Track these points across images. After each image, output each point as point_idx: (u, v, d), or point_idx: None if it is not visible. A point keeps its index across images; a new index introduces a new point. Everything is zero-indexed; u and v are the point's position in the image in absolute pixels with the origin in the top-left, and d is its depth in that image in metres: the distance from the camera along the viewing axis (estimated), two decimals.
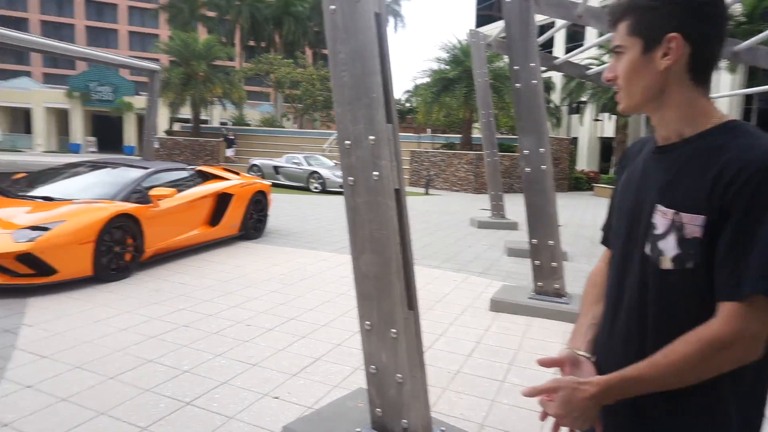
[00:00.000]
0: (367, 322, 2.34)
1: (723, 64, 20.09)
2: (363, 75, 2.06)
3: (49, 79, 51.64)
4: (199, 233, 6.76)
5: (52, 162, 12.69)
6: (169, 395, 3.05)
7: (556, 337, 4.32)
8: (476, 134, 23.71)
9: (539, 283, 5.01)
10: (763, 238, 0.89)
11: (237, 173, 8.27)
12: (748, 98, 23.14)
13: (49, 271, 4.81)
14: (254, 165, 18.49)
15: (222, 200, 7.19)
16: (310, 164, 17.59)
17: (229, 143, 24.96)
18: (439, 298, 5.35)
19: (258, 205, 7.97)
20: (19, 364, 3.36)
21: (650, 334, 1.04)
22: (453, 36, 38.04)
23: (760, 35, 6.01)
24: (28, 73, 50.72)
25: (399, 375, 2.29)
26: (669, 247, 1.00)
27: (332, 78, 2.12)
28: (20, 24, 51.31)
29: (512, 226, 10.29)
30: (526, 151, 4.91)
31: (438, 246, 8.11)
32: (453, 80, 20.82)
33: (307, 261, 6.68)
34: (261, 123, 32.87)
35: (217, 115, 36.80)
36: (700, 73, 1.02)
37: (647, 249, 1.04)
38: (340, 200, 9.83)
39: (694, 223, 0.96)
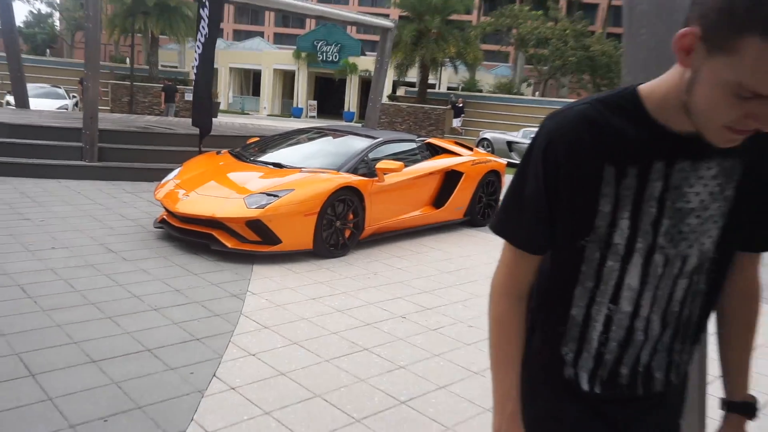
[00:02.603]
0: None
1: None
2: (668, 34, 1.94)
3: (279, 40, 59.53)
4: (421, 214, 7.18)
5: (279, 126, 14.68)
6: (384, 390, 3.37)
7: None
8: None
9: None
10: None
11: (470, 148, 8.52)
12: None
13: (275, 240, 5.64)
14: (484, 138, 18.81)
15: (450, 179, 7.50)
16: None
17: (457, 112, 25.75)
18: None
19: (490, 188, 8.12)
20: (244, 331, 4.04)
21: None
22: None
23: None
24: (261, 34, 59.09)
25: None
26: None
27: (624, 38, 2.04)
28: None
29: None
30: None
31: None
32: None
33: None
34: (495, 89, 33.20)
35: (446, 78, 38.21)
36: None
37: None
38: None
39: None
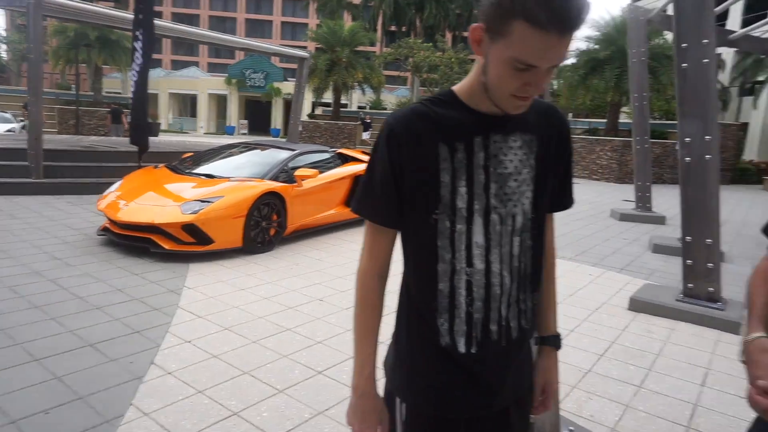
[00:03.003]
0: None
1: None
2: None
3: (212, 68, 57.46)
4: (335, 213, 7.11)
5: (212, 143, 14.14)
6: (304, 363, 3.29)
7: (705, 345, 3.90)
8: (624, 119, 21.88)
9: (690, 285, 4.53)
10: None
11: None
12: None
13: (208, 240, 5.40)
14: None
15: (358, 182, 7.45)
16: None
17: (366, 126, 25.84)
18: (572, 292, 5.08)
19: None
20: (180, 321, 3.83)
21: None
22: (606, 12, 35.20)
23: None
24: (196, 63, 56.80)
25: None
26: None
27: None
28: (193, 19, 57.56)
29: (659, 220, 9.39)
30: (687, 139, 4.42)
31: (573, 237, 7.69)
32: (603, 61, 19.39)
33: None
34: (397, 107, 33.48)
35: (356, 99, 38.19)
36: None
37: None
38: None
39: None
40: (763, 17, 10.44)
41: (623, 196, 12.99)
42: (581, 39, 22.11)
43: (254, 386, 2.96)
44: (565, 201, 1.28)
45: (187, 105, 43.15)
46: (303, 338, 3.66)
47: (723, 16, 25.69)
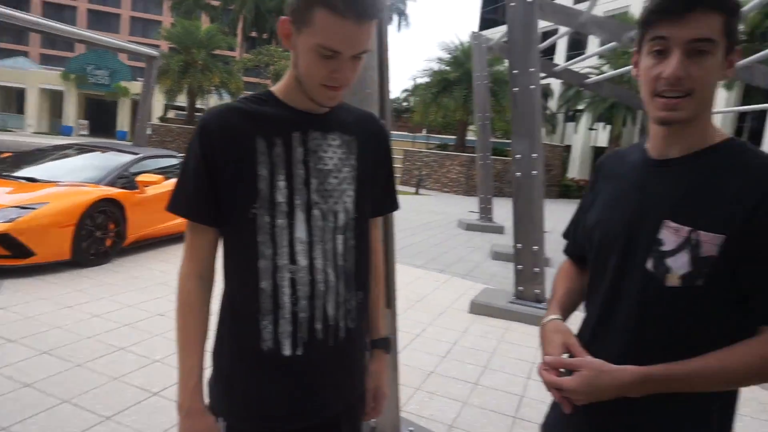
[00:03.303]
0: None
1: (720, 81, 20.17)
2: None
3: (46, 60, 51.17)
4: (182, 221, 6.65)
5: (41, 143, 12.55)
6: (138, 385, 3.00)
7: (533, 341, 4.31)
8: (471, 137, 23.68)
9: (520, 288, 4.99)
10: None
11: None
12: (741, 116, 23.25)
13: (27, 253, 4.73)
14: None
15: None
16: None
17: None
18: (420, 297, 5.32)
19: None
20: None
21: (647, 353, 1.00)
22: (456, 37, 37.92)
23: (758, 54, 6.05)
24: (25, 53, 50.20)
25: None
26: (679, 264, 0.96)
27: None
28: (21, 3, 50.75)
29: (498, 230, 10.28)
30: (518, 155, 4.88)
31: (423, 246, 8.08)
32: (453, 82, 20.81)
33: None
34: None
35: (213, 103, 36.55)
36: None
37: (649, 265, 1.00)
38: None
39: (712, 242, 0.94)
40: (581, 55, 11.99)
41: (470, 207, 14.00)
42: (434, 60, 23.55)
43: (75, 416, 2.63)
44: (388, 205, 1.31)
45: (11, 99, 37.94)
46: (138, 357, 3.35)
47: (551, 51, 29.15)
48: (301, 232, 1.09)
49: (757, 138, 22.54)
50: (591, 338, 1.11)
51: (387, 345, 1.34)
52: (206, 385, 1.17)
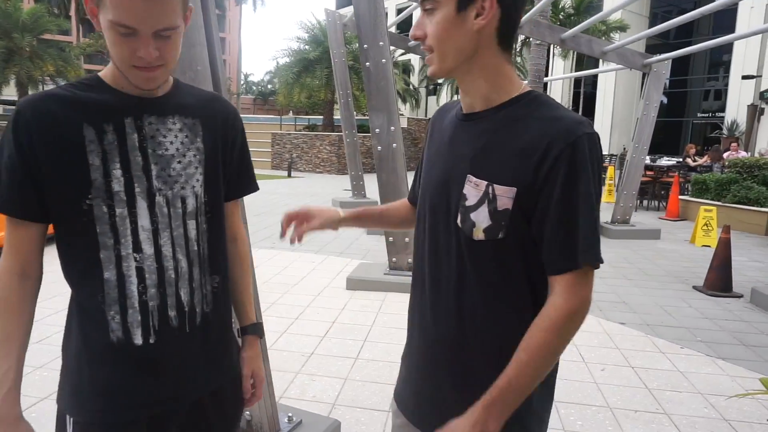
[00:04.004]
0: None
1: (557, 50, 22.24)
2: (185, 46, 1.85)
3: None
4: None
5: None
6: None
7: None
8: (338, 116, 23.74)
9: (393, 259, 5.12)
10: (583, 211, 0.93)
11: None
12: (577, 82, 25.86)
13: None
14: None
15: None
16: None
17: None
18: (297, 281, 5.24)
19: None
20: None
21: (468, 305, 1.03)
22: (312, 15, 37.36)
23: (580, 25, 7.10)
24: None
25: None
26: (481, 218, 0.98)
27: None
28: None
29: (372, 205, 10.47)
30: (377, 130, 4.93)
31: None
32: (313, 61, 20.56)
33: None
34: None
35: None
36: (506, 38, 0.99)
37: (459, 220, 1.02)
38: None
39: (506, 195, 0.95)
40: None
41: (343, 186, 14.07)
42: (292, 39, 23.05)
43: None
44: (245, 186, 1.28)
45: None
46: None
47: (409, 26, 29.95)
48: (144, 220, 1.06)
49: (591, 101, 25.29)
50: (420, 296, 1.15)
51: (258, 329, 1.34)
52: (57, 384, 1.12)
